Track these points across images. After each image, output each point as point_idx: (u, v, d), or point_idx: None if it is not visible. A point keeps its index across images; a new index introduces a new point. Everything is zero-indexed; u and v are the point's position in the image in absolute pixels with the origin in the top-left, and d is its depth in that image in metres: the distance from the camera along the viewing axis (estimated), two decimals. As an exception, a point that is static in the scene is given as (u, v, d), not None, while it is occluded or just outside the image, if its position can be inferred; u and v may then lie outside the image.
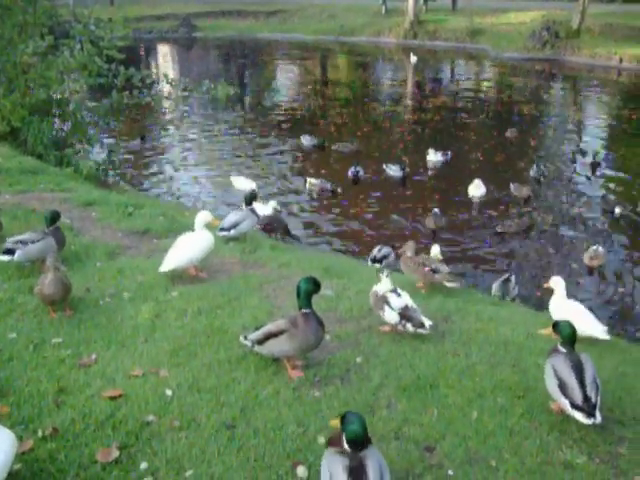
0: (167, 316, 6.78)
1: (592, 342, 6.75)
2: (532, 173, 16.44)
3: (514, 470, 4.70)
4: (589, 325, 6.78)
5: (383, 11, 42.98)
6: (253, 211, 9.83)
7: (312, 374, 5.76)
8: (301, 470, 4.56)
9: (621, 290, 10.96)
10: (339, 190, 14.70)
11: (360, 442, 4.01)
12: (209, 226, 8.02)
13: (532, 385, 5.76)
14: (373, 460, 3.94)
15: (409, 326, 6.41)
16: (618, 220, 13.10)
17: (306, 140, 18.65)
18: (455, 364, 6.07)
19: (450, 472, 4.64)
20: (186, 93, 17.82)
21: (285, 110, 23.39)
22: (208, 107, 23.56)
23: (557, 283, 7.17)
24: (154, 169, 16.69)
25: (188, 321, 6.68)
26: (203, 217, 7.90)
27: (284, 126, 20.95)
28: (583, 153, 18.56)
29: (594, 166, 17.13)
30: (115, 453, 4.61)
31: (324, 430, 4.98)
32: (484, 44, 36.59)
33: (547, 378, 5.34)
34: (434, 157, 17.47)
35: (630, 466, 4.82)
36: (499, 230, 13.30)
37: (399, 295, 6.53)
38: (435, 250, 9.00)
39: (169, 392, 5.38)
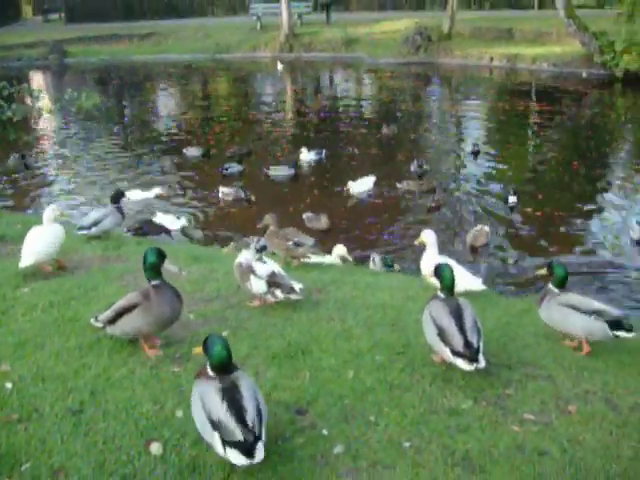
0: (14, 312, 6.13)
1: (473, 298, 6.48)
2: (413, 168, 16.30)
3: (395, 422, 4.36)
4: (464, 279, 6.52)
5: (258, 27, 42.68)
6: (119, 209, 9.20)
7: (172, 351, 5.25)
8: (155, 447, 4.07)
9: (510, 263, 10.83)
10: (252, 198, 14.00)
11: (226, 364, 3.88)
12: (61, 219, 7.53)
13: (412, 341, 5.45)
14: (244, 380, 3.88)
15: (279, 293, 5.98)
16: (512, 209, 13.05)
17: (190, 151, 17.99)
18: (330, 329, 5.70)
19: (324, 431, 4.25)
20: (59, 109, 16.91)
21: (165, 125, 22.63)
22: (87, 124, 22.50)
23: (428, 236, 6.90)
24: (33, 188, 15.54)
25: (38, 314, 6.05)
26: (51, 211, 7.48)
27: (165, 140, 20.13)
28: (464, 143, 18.75)
29: (475, 154, 17.28)
30: None
31: (183, 404, 4.48)
32: (360, 52, 36.83)
33: (425, 326, 5.02)
34: (307, 156, 17.13)
35: (518, 405, 4.58)
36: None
37: (265, 262, 6.08)
38: (340, 250, 8.89)
39: (9, 385, 4.79)
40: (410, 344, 5.39)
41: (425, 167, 16.05)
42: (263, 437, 3.70)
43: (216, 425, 3.66)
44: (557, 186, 14.57)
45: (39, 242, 7.12)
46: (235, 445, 3.60)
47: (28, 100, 16.59)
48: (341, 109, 24.92)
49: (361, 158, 17.34)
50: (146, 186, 14.67)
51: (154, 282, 5.14)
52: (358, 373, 4.92)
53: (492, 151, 17.84)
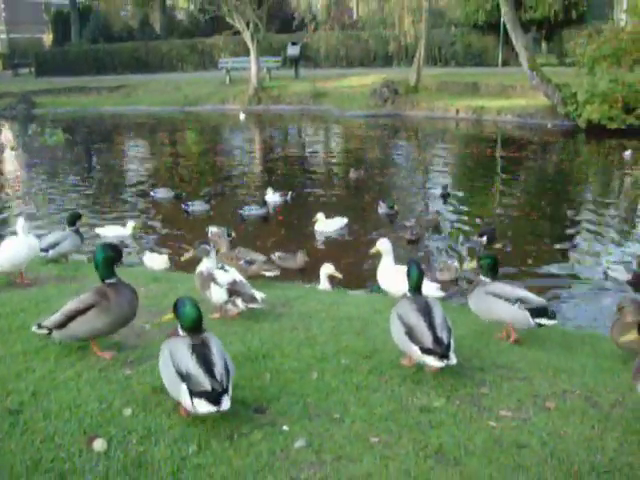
0: (-45, 324, 5.73)
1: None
2: (381, 210, 16.14)
3: (362, 419, 4.07)
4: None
5: (227, 81, 43.02)
6: (77, 232, 8.87)
7: (124, 356, 4.91)
8: (98, 443, 3.72)
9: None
10: (233, 234, 13.63)
11: (197, 323, 4.04)
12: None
13: (380, 347, 5.17)
14: (214, 339, 4.04)
15: (239, 302, 5.69)
16: (484, 247, 12.90)
17: (161, 193, 17.67)
18: (293, 337, 5.40)
19: (285, 427, 3.92)
20: (22, 145, 16.54)
21: (133, 169, 22.39)
22: (52, 162, 22.13)
23: (384, 245, 6.76)
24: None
25: (-19, 325, 5.65)
26: (23, 222, 7.48)
27: (136, 186, 19.71)
28: (433, 186, 18.72)
29: (445, 197, 17.20)
30: None
31: (132, 403, 4.14)
32: (328, 105, 37.08)
33: (393, 326, 4.76)
34: (272, 197, 16.98)
35: (494, 402, 4.31)
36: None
37: (226, 271, 5.79)
38: (328, 269, 8.74)
39: (-57, 390, 4.38)
40: (377, 350, 5.10)
41: (396, 208, 15.92)
42: (229, 391, 3.80)
43: (185, 377, 3.78)
44: (526, 226, 14.51)
45: (6, 253, 7.01)
46: (203, 395, 3.70)
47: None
48: (309, 155, 24.94)
49: (329, 200, 17.19)
50: (118, 221, 14.35)
51: (109, 280, 4.81)
52: (323, 375, 4.62)
53: (461, 194, 17.77)
